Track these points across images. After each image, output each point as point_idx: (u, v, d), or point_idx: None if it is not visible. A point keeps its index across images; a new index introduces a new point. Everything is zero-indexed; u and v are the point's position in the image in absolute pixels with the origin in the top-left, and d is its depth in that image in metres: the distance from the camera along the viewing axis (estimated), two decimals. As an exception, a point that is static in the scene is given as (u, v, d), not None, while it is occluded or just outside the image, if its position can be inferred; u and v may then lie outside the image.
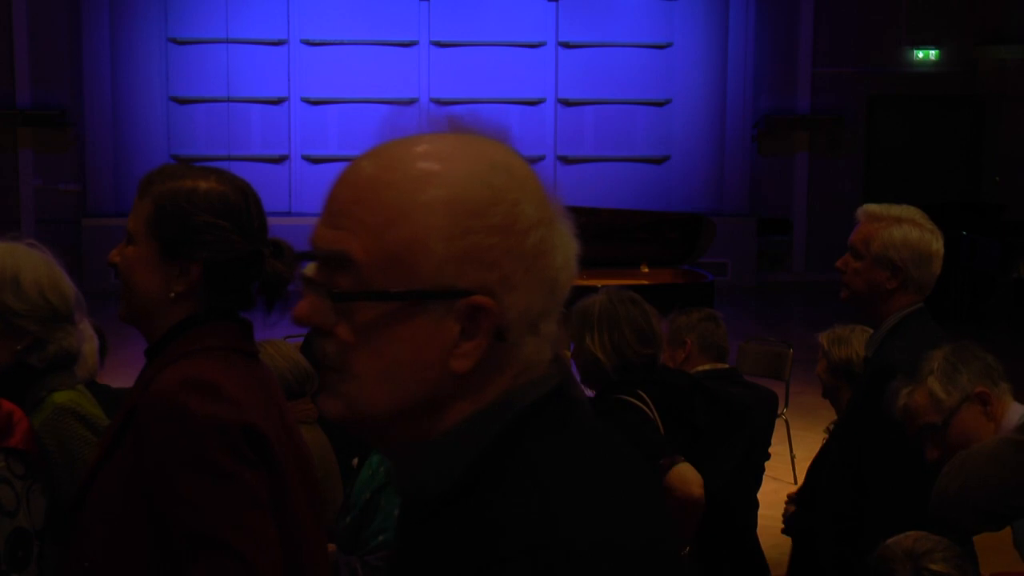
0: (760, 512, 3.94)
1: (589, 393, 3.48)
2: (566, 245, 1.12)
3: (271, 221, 2.07)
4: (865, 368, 3.27)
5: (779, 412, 6.53)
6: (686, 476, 3.12)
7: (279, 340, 3.55)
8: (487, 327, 1.06)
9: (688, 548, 3.30)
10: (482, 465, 1.07)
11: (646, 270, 9.20)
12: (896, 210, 3.14)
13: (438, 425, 1.09)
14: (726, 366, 4.00)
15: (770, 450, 4.03)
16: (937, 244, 3.12)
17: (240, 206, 1.99)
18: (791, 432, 6.73)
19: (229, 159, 13.41)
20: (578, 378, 3.40)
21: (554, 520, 1.02)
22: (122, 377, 3.24)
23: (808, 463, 3.97)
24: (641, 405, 3.25)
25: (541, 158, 14.37)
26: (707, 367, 3.91)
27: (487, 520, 1.03)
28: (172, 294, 1.96)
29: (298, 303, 1.10)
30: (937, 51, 14.79)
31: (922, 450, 2.64)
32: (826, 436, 3.83)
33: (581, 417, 1.15)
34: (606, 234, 9.13)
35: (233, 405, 1.84)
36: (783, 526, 3.84)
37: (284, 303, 2.01)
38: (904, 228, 3.09)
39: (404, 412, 1.08)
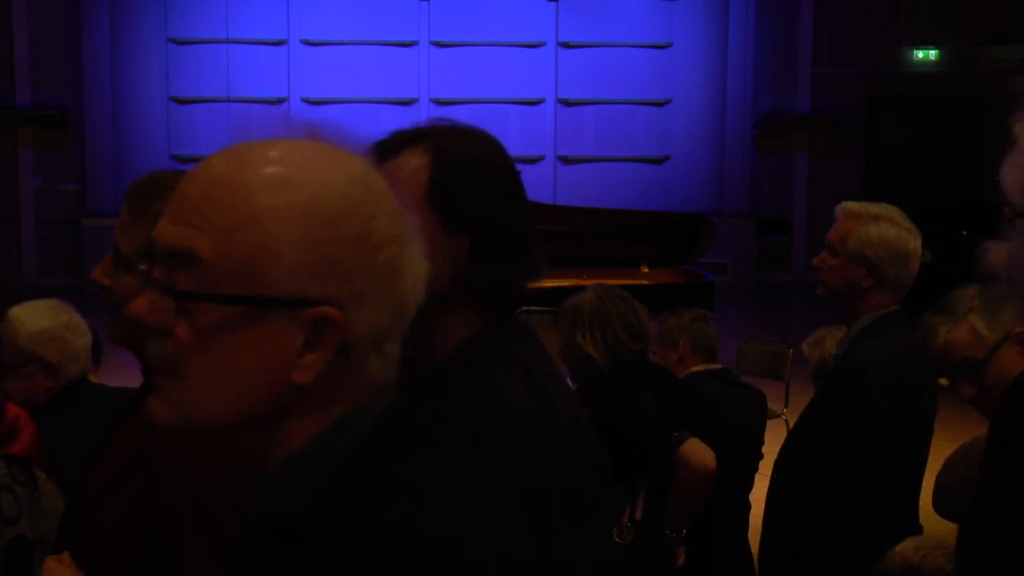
0: (754, 512, 3.94)
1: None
2: (417, 266, 1.09)
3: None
4: (834, 365, 3.25)
5: (779, 412, 6.55)
6: (698, 450, 3.16)
7: None
8: (332, 341, 1.03)
9: (684, 550, 3.32)
10: (341, 485, 1.03)
11: (646, 270, 9.19)
12: (874, 208, 3.13)
13: (280, 442, 1.05)
14: (718, 366, 4.01)
15: (769, 450, 4.03)
16: (915, 243, 3.11)
17: None
18: (791, 432, 6.72)
19: (229, 159, 13.39)
20: (568, 376, 3.41)
21: (437, 538, 1.00)
22: (120, 377, 3.23)
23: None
24: (642, 391, 3.28)
25: (541, 158, 14.37)
26: (700, 368, 3.93)
27: (360, 542, 1.00)
28: None
29: (136, 300, 1.05)
30: (937, 51, 14.79)
31: (957, 388, 2.63)
32: None
33: (428, 432, 1.13)
34: (606, 234, 9.12)
35: None
36: None
37: None
38: (881, 226, 3.08)
39: (241, 423, 1.04)
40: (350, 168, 1.07)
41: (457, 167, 1.63)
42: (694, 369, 3.92)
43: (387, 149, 1.65)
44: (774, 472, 3.31)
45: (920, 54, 14.81)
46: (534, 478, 1.53)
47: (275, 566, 1.04)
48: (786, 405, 6.76)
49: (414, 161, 1.62)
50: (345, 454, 1.05)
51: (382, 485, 1.03)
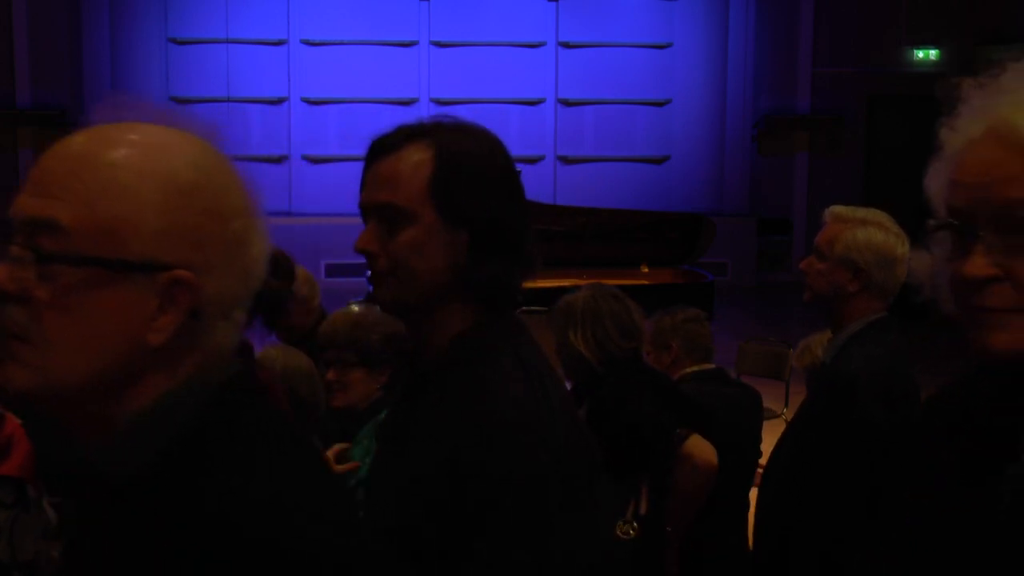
0: (751, 511, 3.94)
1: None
2: (262, 240, 1.17)
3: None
4: (822, 372, 3.22)
5: (779, 412, 6.55)
6: (701, 445, 3.24)
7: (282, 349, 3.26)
8: (185, 304, 1.09)
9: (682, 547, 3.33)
10: (185, 443, 1.08)
11: (646, 270, 9.20)
12: (862, 212, 3.11)
13: (129, 403, 1.10)
14: (712, 366, 4.00)
15: (768, 449, 4.03)
16: (902, 248, 3.08)
17: None
18: (791, 432, 6.71)
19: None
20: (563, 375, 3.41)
21: (277, 505, 1.05)
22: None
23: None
24: (639, 390, 3.29)
25: (541, 158, 14.37)
26: (694, 368, 3.92)
27: (203, 504, 1.04)
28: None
29: None
30: (937, 51, 14.80)
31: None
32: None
33: (262, 399, 1.18)
34: (606, 234, 9.13)
35: None
36: None
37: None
38: (868, 230, 3.06)
39: (97, 385, 1.08)
40: (201, 147, 1.16)
41: (459, 164, 1.63)
42: (688, 370, 3.92)
43: (390, 143, 1.65)
44: (763, 476, 3.31)
45: (920, 54, 14.81)
46: (534, 475, 1.53)
47: (118, 525, 1.08)
48: (786, 405, 6.76)
49: (416, 156, 1.63)
50: (190, 418, 1.10)
51: (227, 451, 1.08)
